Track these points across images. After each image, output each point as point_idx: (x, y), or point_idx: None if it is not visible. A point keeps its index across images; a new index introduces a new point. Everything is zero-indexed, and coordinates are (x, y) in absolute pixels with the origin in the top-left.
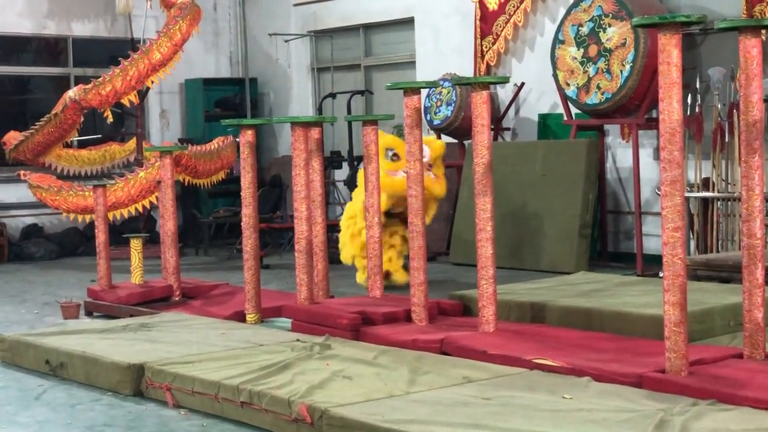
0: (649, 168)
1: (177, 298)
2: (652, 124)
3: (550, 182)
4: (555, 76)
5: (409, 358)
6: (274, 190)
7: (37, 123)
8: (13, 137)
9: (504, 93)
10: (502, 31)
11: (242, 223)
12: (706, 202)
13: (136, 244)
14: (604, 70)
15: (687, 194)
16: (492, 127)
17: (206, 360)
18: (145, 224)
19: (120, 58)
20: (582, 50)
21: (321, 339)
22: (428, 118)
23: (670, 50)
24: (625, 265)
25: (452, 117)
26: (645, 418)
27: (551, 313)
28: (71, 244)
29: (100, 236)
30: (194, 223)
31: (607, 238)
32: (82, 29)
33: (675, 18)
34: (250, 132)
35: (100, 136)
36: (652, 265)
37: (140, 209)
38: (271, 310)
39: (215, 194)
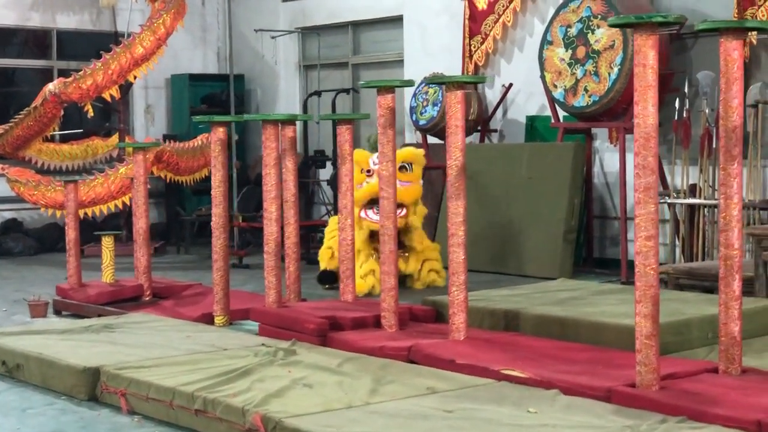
0: None
1: (147, 298)
2: None
3: (536, 186)
4: (543, 77)
5: (375, 367)
6: (259, 189)
7: (16, 116)
8: None
9: (492, 94)
10: (491, 30)
11: (212, 223)
12: (692, 209)
13: (107, 242)
14: (592, 73)
15: (673, 200)
16: (479, 128)
17: (165, 364)
18: (125, 221)
19: (102, 52)
20: (570, 51)
21: (287, 344)
22: (414, 118)
23: (646, 52)
24: (609, 271)
25: (438, 118)
26: None
27: (525, 321)
28: (51, 240)
29: (71, 233)
30: (177, 220)
31: (593, 243)
32: (66, 21)
33: (651, 18)
34: (221, 129)
35: (81, 130)
36: None
37: (120, 205)
38: (242, 312)
39: (200, 191)
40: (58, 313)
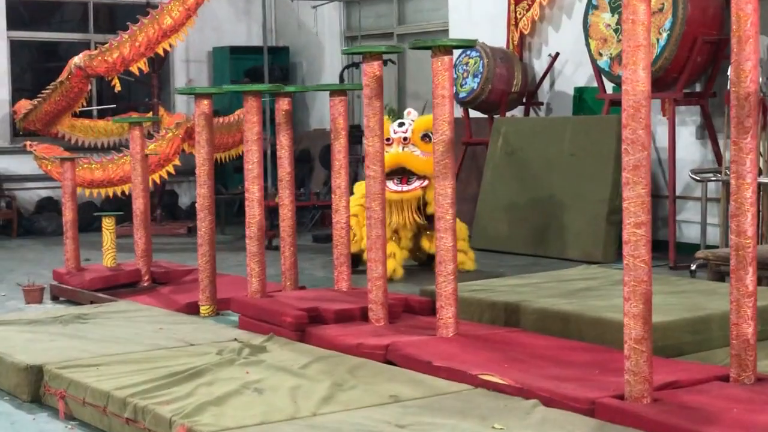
0: (691, 148)
1: (146, 284)
2: (692, 99)
3: (579, 162)
4: (587, 45)
5: (344, 368)
6: (300, 166)
7: (43, 91)
8: (23, 106)
9: (539, 64)
10: None
11: (197, 204)
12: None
13: (108, 224)
14: None
15: (724, 178)
16: (524, 101)
17: (117, 362)
18: (160, 199)
19: (129, 24)
20: (616, 16)
21: (262, 339)
22: (454, 90)
23: (636, 5)
24: (659, 254)
25: (478, 90)
26: None
27: (526, 316)
28: (85, 220)
29: (68, 214)
30: (217, 199)
31: None
32: None
33: None
34: (206, 102)
35: (114, 105)
36: (690, 255)
37: (150, 184)
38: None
39: (242, 169)
40: (55, 298)
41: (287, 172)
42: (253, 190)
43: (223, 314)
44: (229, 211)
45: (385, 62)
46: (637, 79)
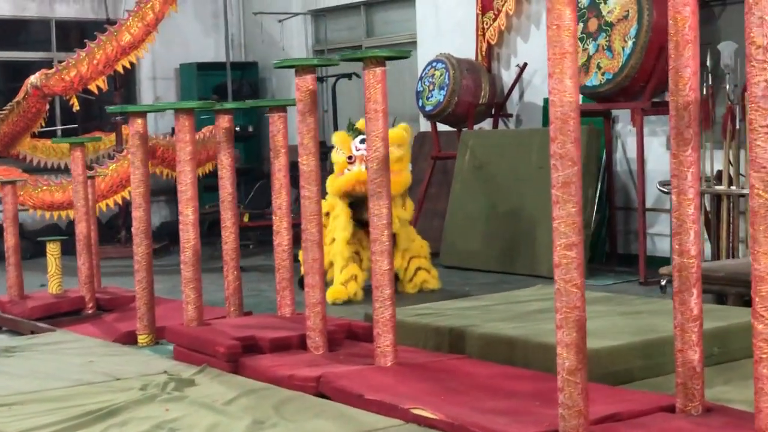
0: (661, 159)
1: (90, 311)
2: (661, 108)
3: (548, 176)
4: None
5: (270, 403)
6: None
7: (0, 112)
8: None
9: (507, 75)
10: (503, 5)
11: (132, 228)
12: (718, 199)
13: (53, 249)
14: (605, 47)
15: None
16: (492, 112)
17: (34, 401)
18: (124, 220)
19: (86, 41)
20: (581, 25)
21: (193, 371)
22: (420, 104)
23: (560, 9)
24: (632, 269)
25: (445, 102)
26: None
27: (471, 341)
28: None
29: (10, 239)
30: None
31: (617, 238)
32: (66, 11)
33: None
34: (139, 120)
35: (76, 125)
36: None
37: (111, 205)
38: None
39: (212, 187)
40: None
41: (228, 193)
42: (187, 213)
43: (163, 343)
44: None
45: (349, 76)
46: (564, 89)
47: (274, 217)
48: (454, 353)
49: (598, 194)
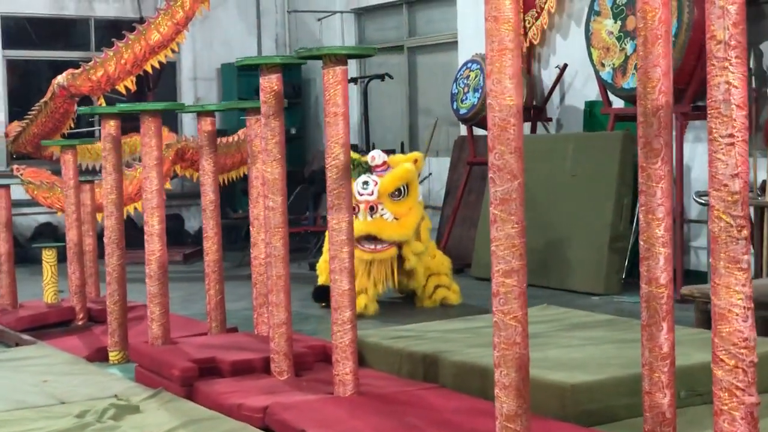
0: (704, 167)
1: (80, 323)
2: (700, 113)
3: (581, 184)
4: (590, 55)
5: None
6: (312, 188)
7: (29, 112)
8: (13, 128)
9: (548, 76)
10: (545, 3)
11: (104, 238)
12: (763, 211)
13: (48, 256)
14: None
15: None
16: (531, 116)
17: None
18: None
19: (114, 40)
20: (619, 23)
21: (146, 395)
22: (455, 107)
23: (497, 1)
24: None
25: (479, 105)
26: None
27: (444, 369)
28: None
29: (3, 246)
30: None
31: None
32: (105, 9)
33: None
34: (113, 122)
35: None
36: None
37: (140, 208)
38: None
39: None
40: None
41: (210, 201)
42: (152, 223)
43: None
44: (238, 236)
45: (382, 77)
46: (502, 91)
47: (251, 228)
48: (428, 381)
49: (634, 204)
